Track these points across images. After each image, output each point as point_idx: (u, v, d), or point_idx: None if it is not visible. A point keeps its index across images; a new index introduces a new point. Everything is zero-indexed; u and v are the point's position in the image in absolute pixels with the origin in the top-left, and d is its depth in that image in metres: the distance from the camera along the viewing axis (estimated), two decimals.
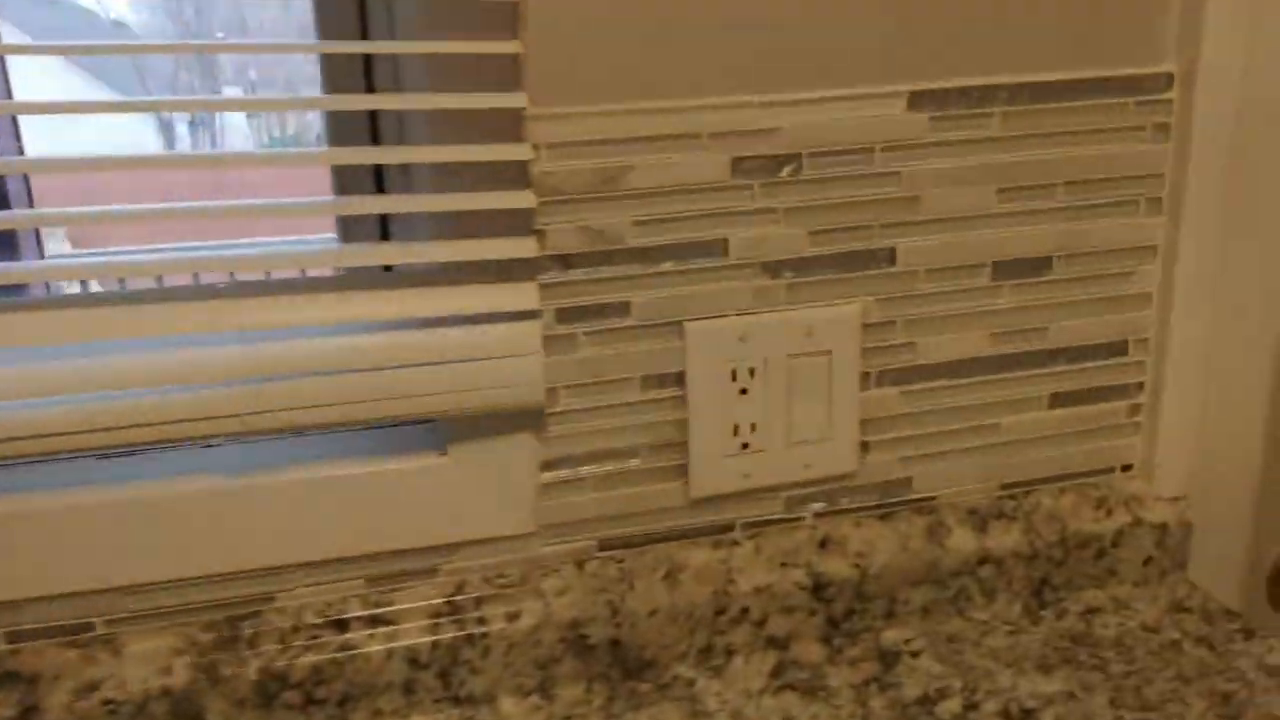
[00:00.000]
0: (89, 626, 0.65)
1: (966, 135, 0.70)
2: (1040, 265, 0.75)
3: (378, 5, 0.65)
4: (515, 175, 0.63)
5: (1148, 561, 0.79)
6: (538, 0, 0.62)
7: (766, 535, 0.74)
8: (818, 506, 0.77)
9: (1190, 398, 0.79)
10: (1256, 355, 0.74)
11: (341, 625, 0.67)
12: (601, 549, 0.72)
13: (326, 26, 0.65)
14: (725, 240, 0.68)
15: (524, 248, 0.61)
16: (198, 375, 0.59)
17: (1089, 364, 0.79)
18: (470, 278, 0.63)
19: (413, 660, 0.67)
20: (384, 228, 0.70)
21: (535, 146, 0.63)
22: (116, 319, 0.58)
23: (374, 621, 0.67)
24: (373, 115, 0.67)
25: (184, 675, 0.64)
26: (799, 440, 0.72)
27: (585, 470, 0.70)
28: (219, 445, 0.68)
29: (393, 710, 0.67)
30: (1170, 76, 0.72)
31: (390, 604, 0.68)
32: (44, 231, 0.84)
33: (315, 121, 0.69)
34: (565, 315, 0.67)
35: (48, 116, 0.56)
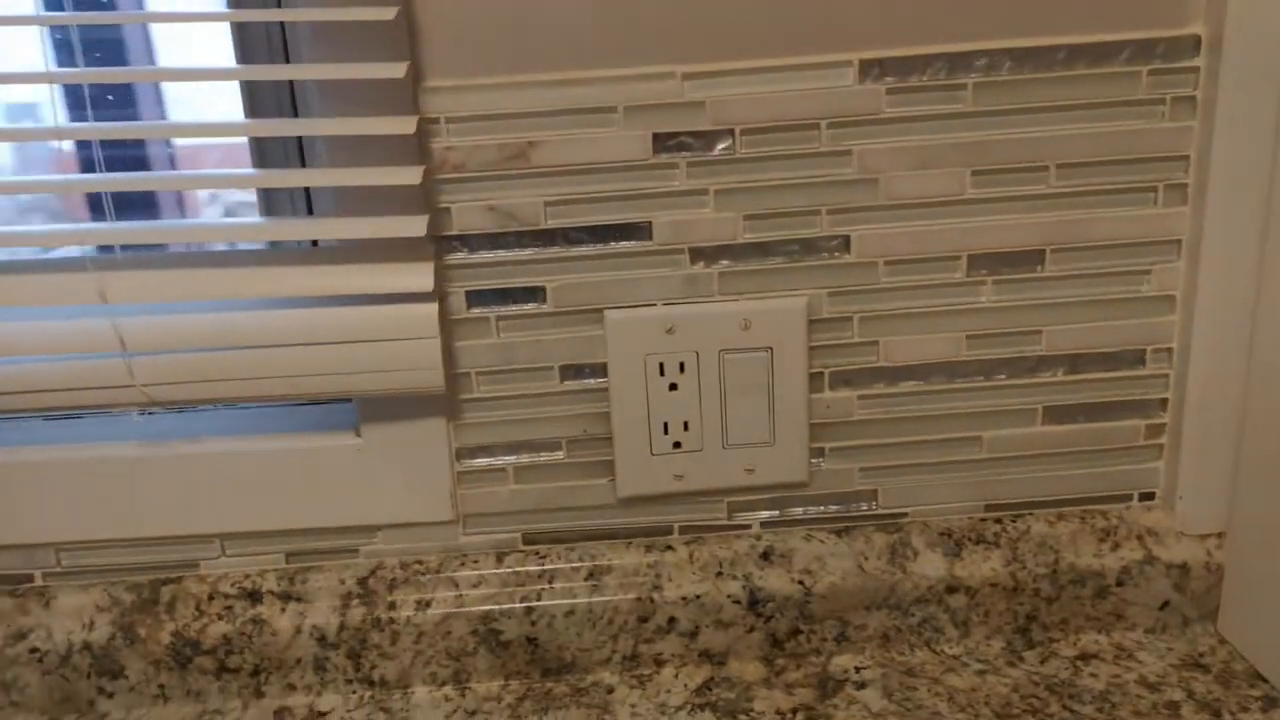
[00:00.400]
0: (29, 578, 0.63)
1: (933, 110, 0.57)
2: (1028, 259, 0.62)
3: None
4: (410, 150, 0.56)
5: (1164, 606, 0.63)
6: None
7: (705, 542, 0.63)
8: (764, 515, 0.66)
9: (1224, 416, 0.63)
10: None
11: (255, 597, 0.62)
12: (526, 543, 0.64)
13: None
14: (649, 223, 0.58)
15: (413, 226, 0.54)
16: (93, 345, 0.55)
17: (1095, 375, 0.65)
18: (372, 256, 0.57)
19: (321, 639, 0.61)
20: (309, 202, 0.65)
21: (436, 120, 0.55)
22: (34, 287, 0.55)
23: (286, 597, 0.62)
24: (291, 89, 0.61)
25: (104, 632, 0.61)
26: (738, 443, 0.61)
27: (504, 460, 0.63)
28: (153, 414, 0.65)
29: (305, 686, 0.62)
30: (1197, 40, 0.56)
31: (304, 581, 0.63)
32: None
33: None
34: (477, 298, 0.59)
35: None
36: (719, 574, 0.63)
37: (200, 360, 0.56)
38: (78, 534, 0.63)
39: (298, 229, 0.57)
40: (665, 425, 0.61)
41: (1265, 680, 0.59)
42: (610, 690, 0.62)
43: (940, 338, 0.61)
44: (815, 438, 0.63)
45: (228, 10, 0.61)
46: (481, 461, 0.63)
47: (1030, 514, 0.65)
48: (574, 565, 0.64)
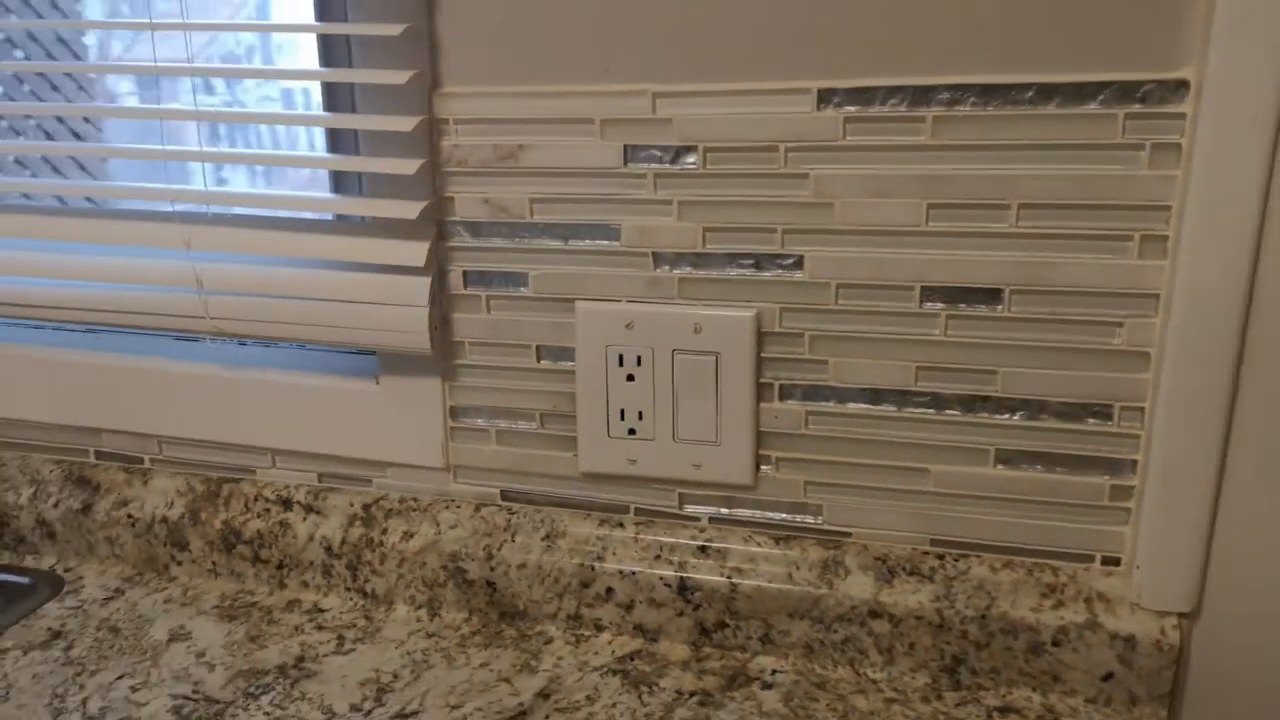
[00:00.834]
0: (140, 460, 0.76)
1: (891, 140, 0.55)
2: (985, 297, 0.58)
3: None
4: (423, 145, 0.63)
5: (1108, 678, 0.57)
6: None
7: (653, 527, 0.65)
8: (741, 513, 0.65)
9: (1195, 487, 0.55)
10: None
11: (287, 505, 0.71)
12: (503, 498, 0.69)
13: None
14: (618, 226, 0.61)
15: (408, 210, 0.60)
16: (177, 281, 0.68)
17: (1055, 424, 0.59)
18: (386, 233, 0.64)
19: (328, 548, 0.69)
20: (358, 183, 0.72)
21: (446, 121, 0.61)
22: (134, 232, 0.67)
23: (309, 509, 0.71)
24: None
25: (178, 511, 0.73)
26: (687, 438, 0.62)
27: (486, 423, 0.68)
28: (224, 343, 0.76)
29: (315, 585, 0.71)
30: (1183, 84, 0.51)
31: (325, 499, 0.71)
32: None
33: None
34: (472, 278, 0.65)
35: None
36: (657, 557, 0.64)
37: (252, 303, 0.66)
38: (174, 431, 0.74)
39: (310, 203, 0.64)
40: (622, 412, 0.63)
41: None
42: (548, 641, 0.65)
43: (891, 364, 0.59)
44: (764, 445, 0.62)
45: (266, 22, 0.69)
46: (469, 421, 0.67)
47: (975, 556, 0.60)
48: (535, 525, 0.67)
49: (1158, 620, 0.56)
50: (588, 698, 0.58)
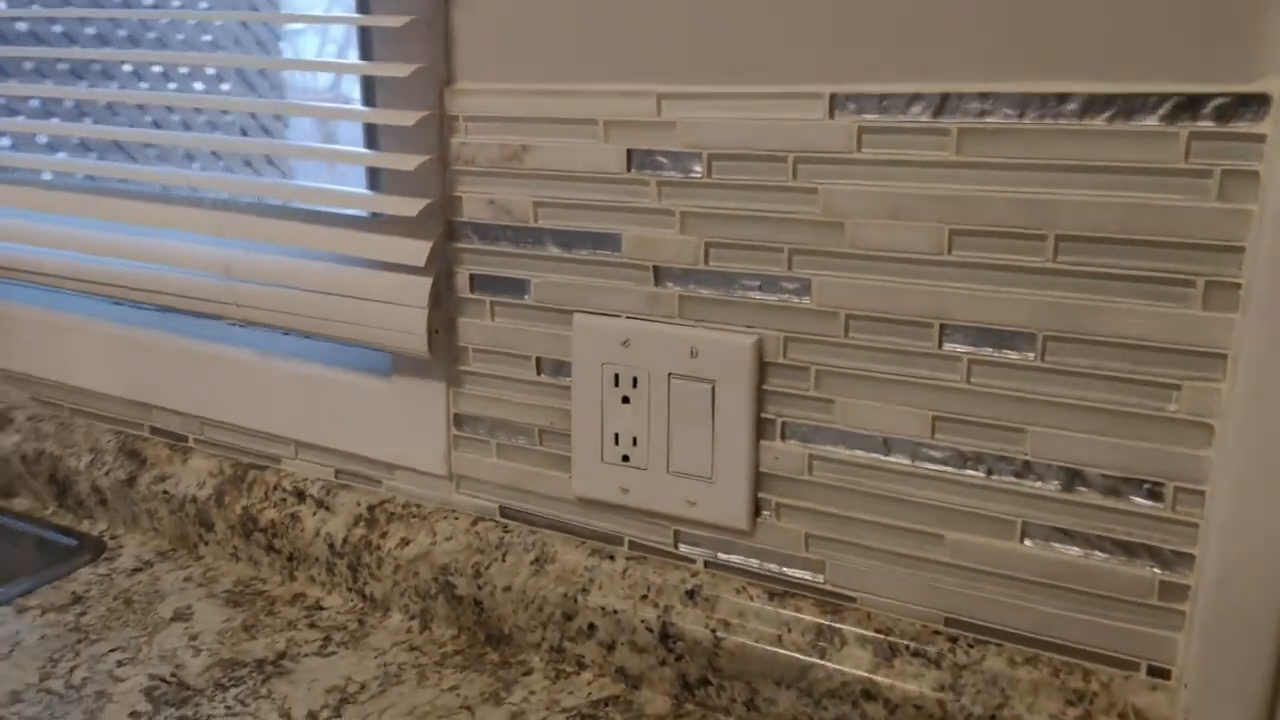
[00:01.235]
0: (184, 439, 0.80)
1: (910, 155, 0.50)
2: (1016, 341, 0.50)
3: None
4: (432, 142, 0.62)
5: None
6: None
7: (645, 563, 0.62)
8: (734, 559, 0.61)
9: (1269, 595, 0.45)
10: None
11: (300, 498, 0.73)
12: (502, 514, 0.67)
13: None
14: (619, 236, 0.58)
15: (407, 206, 0.60)
16: (209, 267, 0.70)
17: (1096, 498, 0.50)
18: (392, 231, 0.64)
19: (331, 546, 0.70)
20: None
21: (456, 118, 0.61)
22: (169, 215, 0.71)
23: (319, 504, 0.72)
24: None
25: (207, 493, 0.76)
26: (681, 471, 0.59)
27: (488, 435, 0.67)
28: (268, 331, 0.77)
29: (320, 582, 0.72)
30: (1262, 100, 0.43)
31: (335, 495, 0.72)
32: None
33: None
34: (478, 283, 0.64)
35: None
36: (643, 597, 0.60)
37: (271, 293, 0.68)
38: (215, 413, 0.77)
39: (308, 194, 0.64)
40: (616, 436, 0.60)
41: None
42: (528, 672, 0.63)
43: (903, 410, 0.52)
44: (764, 488, 0.57)
45: (284, 13, 0.70)
46: (471, 431, 0.66)
47: (993, 644, 0.53)
48: (527, 547, 0.64)
49: None
50: None
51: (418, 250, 0.61)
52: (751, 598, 0.58)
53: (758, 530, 0.58)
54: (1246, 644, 0.45)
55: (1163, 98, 0.43)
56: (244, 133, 0.88)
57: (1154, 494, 0.48)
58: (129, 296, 0.72)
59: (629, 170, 0.56)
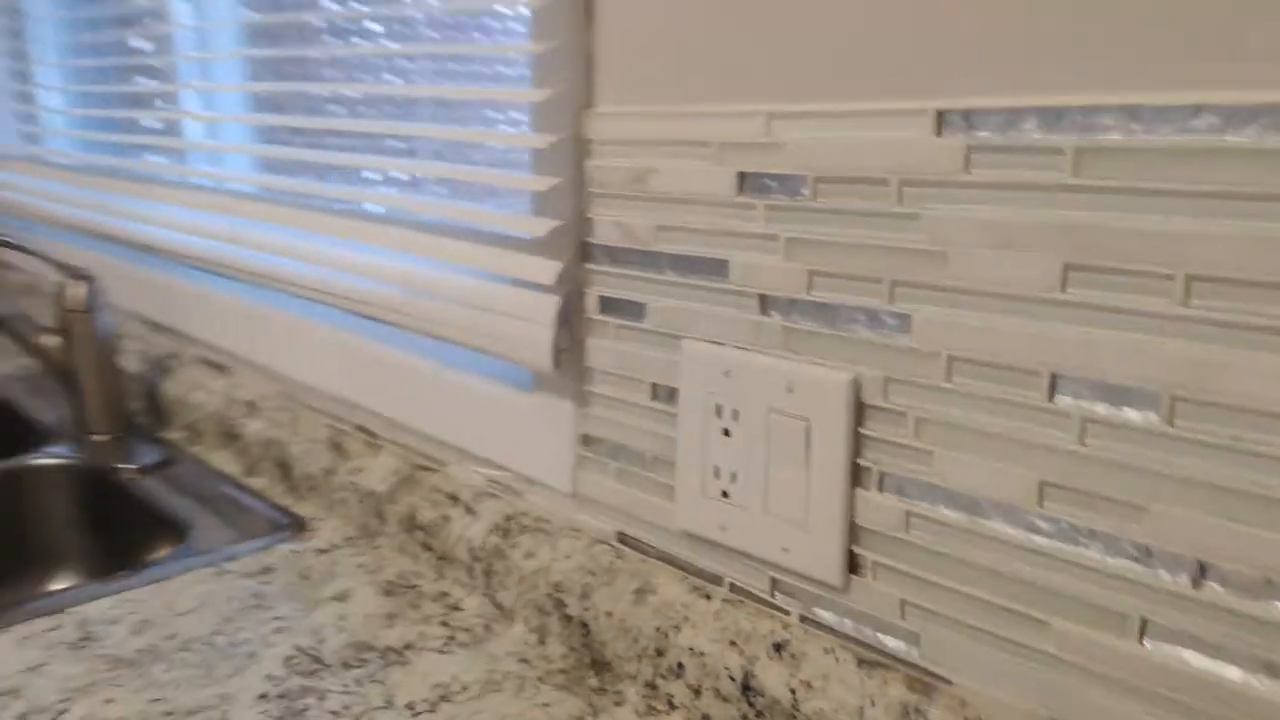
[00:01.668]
0: (378, 436, 0.90)
1: (1019, 177, 0.47)
2: (1132, 398, 0.42)
3: None
4: (572, 163, 0.64)
5: None
6: (606, 6, 0.61)
7: (740, 607, 0.61)
8: (828, 616, 0.57)
9: None
10: None
11: (454, 501, 0.80)
12: (618, 539, 0.69)
13: None
14: (727, 262, 0.59)
15: (536, 226, 0.65)
16: (388, 278, 0.77)
17: (1232, 599, 0.41)
18: (526, 249, 0.67)
19: (470, 551, 0.76)
20: None
21: (592, 141, 0.65)
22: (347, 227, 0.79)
23: (468, 510, 0.78)
24: None
25: (386, 487, 0.85)
26: (777, 514, 0.58)
27: (608, 456, 0.67)
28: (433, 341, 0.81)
29: (462, 585, 0.78)
30: None
31: (483, 502, 0.78)
32: None
33: None
34: (604, 304, 0.67)
35: None
36: (732, 643, 0.59)
37: (429, 304, 0.73)
38: (401, 417, 0.85)
39: (448, 211, 0.69)
40: (717, 470, 0.59)
41: None
42: (620, 703, 0.63)
43: (1007, 471, 0.47)
44: (861, 542, 0.54)
45: (420, 44, 0.75)
46: (594, 452, 0.68)
47: None
48: (633, 574, 0.65)
49: None
50: None
51: (548, 269, 0.63)
52: (839, 660, 0.53)
53: (852, 588, 0.53)
54: None
55: None
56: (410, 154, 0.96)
57: None
58: (343, 306, 0.81)
59: (740, 194, 0.54)
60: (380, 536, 0.81)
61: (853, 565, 0.53)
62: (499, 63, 0.79)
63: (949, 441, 0.47)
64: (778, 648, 0.55)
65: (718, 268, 0.56)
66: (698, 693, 0.58)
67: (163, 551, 0.88)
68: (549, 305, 0.63)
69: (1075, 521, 0.44)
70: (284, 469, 0.93)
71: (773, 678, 0.54)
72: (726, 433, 0.56)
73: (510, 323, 0.64)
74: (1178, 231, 0.39)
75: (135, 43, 1.30)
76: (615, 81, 0.60)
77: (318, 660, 0.65)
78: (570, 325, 0.64)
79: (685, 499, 0.59)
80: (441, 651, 0.67)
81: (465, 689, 0.62)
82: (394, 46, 0.83)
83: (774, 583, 0.57)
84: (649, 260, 0.60)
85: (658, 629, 0.60)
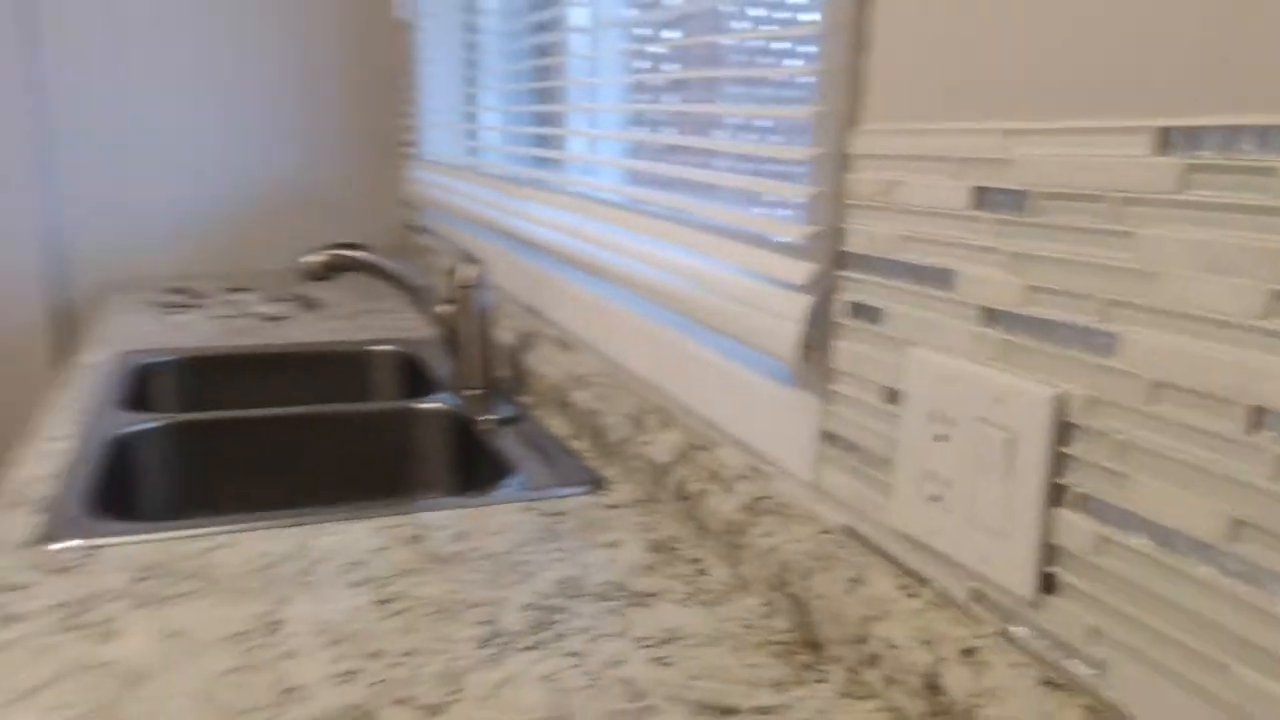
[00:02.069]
0: (674, 415, 1.03)
1: (1231, 198, 0.48)
2: None
3: None
4: (834, 176, 0.69)
5: None
6: (878, 35, 0.65)
7: (942, 610, 0.66)
8: (1020, 631, 0.56)
9: None
10: None
11: (715, 478, 0.90)
12: (845, 532, 0.76)
13: None
14: (955, 273, 0.64)
15: (793, 233, 0.74)
16: (681, 272, 0.87)
17: None
18: (787, 252, 0.72)
19: (724, 523, 0.87)
20: None
21: (851, 155, 0.72)
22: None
23: (726, 488, 0.89)
24: None
25: (668, 459, 0.98)
26: (980, 524, 0.62)
27: (844, 452, 0.70)
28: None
29: (715, 555, 0.88)
30: None
31: (737, 482, 0.88)
32: None
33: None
34: (852, 309, 0.74)
35: None
36: (926, 642, 0.63)
37: (680, 288, 0.81)
38: (691, 401, 0.96)
39: (708, 212, 0.77)
40: (931, 475, 0.63)
41: None
42: (822, 680, 0.68)
43: (1200, 503, 0.48)
44: (1055, 560, 0.55)
45: (705, 69, 0.82)
46: (834, 447, 0.74)
47: None
48: (848, 564, 0.71)
49: None
50: None
51: (802, 271, 0.69)
52: (1020, 675, 0.54)
53: (1045, 607, 0.53)
54: None
55: None
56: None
57: None
58: (648, 295, 0.93)
59: (972, 207, 0.56)
60: (658, 502, 0.91)
61: (1047, 584, 0.52)
62: (782, 86, 0.85)
63: (1146, 467, 0.46)
64: (967, 654, 0.56)
65: (947, 278, 0.58)
66: (890, 683, 0.60)
67: (495, 486, 1.06)
68: (801, 303, 0.68)
69: (1266, 564, 0.41)
70: (597, 435, 1.06)
71: (955, 680, 0.55)
72: (942, 439, 0.58)
73: (766, 317, 0.71)
74: None
75: (542, 68, 1.53)
76: (878, 101, 0.64)
77: (578, 588, 0.76)
78: (820, 326, 0.69)
79: (901, 500, 0.62)
80: (680, 604, 0.75)
81: (690, 637, 0.70)
82: (706, 72, 0.93)
83: (973, 592, 0.58)
84: (890, 268, 0.63)
85: (862, 617, 0.63)
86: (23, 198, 1.94)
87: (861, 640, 0.61)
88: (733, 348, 0.87)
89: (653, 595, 0.74)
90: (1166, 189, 0.44)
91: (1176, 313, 0.43)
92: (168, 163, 2.06)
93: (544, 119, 1.49)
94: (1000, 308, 0.54)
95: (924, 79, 0.59)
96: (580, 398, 1.12)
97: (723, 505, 0.79)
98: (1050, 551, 0.51)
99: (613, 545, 0.83)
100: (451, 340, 1.22)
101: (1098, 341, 0.48)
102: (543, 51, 1.48)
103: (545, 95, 1.48)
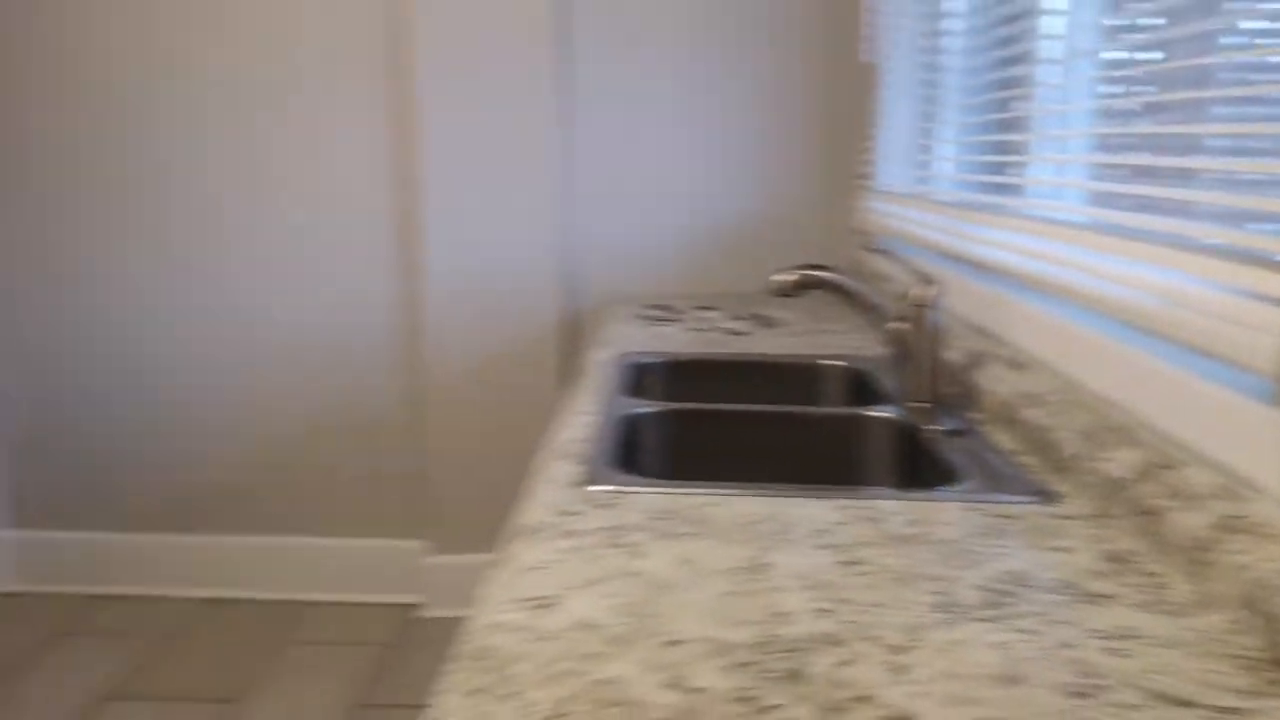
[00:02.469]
0: (1127, 429, 1.06)
1: None
2: None
3: None
4: None
5: None
6: None
7: None
8: None
9: None
10: None
11: (1176, 495, 0.92)
12: None
13: None
14: None
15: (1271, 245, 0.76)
16: (1151, 290, 0.89)
17: None
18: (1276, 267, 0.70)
19: (1193, 540, 0.87)
20: None
21: None
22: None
23: (1194, 506, 0.87)
24: None
25: (1126, 475, 1.01)
26: None
27: None
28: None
29: (1178, 571, 0.90)
30: None
31: (1205, 502, 0.88)
32: None
33: None
34: None
35: None
36: None
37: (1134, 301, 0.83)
38: (1144, 413, 0.98)
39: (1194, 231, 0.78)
40: None
41: None
42: None
43: None
44: None
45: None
46: None
47: None
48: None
49: None
50: None
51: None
52: None
53: None
54: None
55: None
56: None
57: None
58: (1110, 313, 0.96)
59: None
60: (1113, 517, 0.93)
61: None
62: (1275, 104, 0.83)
63: None
64: None
65: None
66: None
67: (939, 490, 1.13)
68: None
69: None
70: (1046, 452, 1.09)
71: None
72: None
73: (1247, 332, 0.71)
74: None
75: (1006, 99, 1.57)
76: None
77: (1028, 580, 0.82)
78: None
79: None
80: (1137, 608, 0.77)
81: (1147, 637, 0.72)
82: (1191, 93, 0.93)
83: None
84: None
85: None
86: (546, 231, 2.39)
87: None
88: (1204, 365, 0.86)
89: (1107, 597, 0.77)
90: None
91: None
92: (662, 195, 2.41)
93: (1001, 147, 1.53)
94: None
95: None
96: (1031, 415, 1.15)
97: (1188, 521, 0.80)
98: None
99: (1064, 550, 0.87)
100: (901, 356, 1.32)
101: None
102: (1004, 85, 1.52)
103: (1006, 125, 1.52)
